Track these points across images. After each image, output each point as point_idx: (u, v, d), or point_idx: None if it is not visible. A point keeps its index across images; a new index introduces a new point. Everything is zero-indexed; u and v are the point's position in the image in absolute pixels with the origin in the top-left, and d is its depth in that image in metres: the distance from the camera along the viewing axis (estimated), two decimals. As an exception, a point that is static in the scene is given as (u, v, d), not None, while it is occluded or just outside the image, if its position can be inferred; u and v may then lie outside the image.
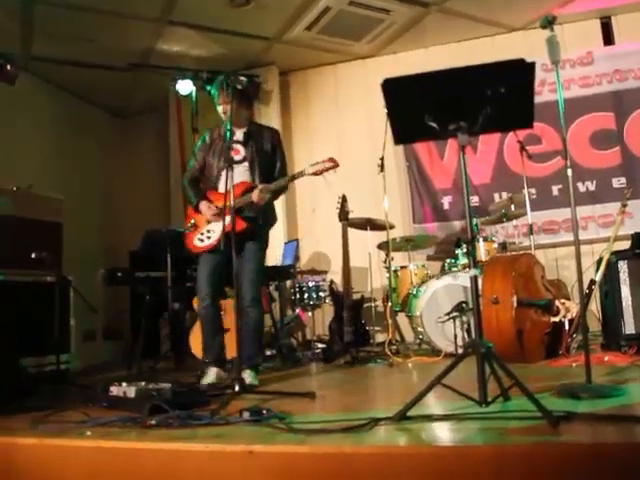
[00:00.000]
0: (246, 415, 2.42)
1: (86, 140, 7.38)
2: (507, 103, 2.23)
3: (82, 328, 5.53)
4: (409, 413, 2.20)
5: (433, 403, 2.56)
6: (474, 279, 2.22)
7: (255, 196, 3.62)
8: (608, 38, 6.42)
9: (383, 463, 1.91)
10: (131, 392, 2.81)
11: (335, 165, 3.63)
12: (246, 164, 3.79)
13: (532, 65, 2.20)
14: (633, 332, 3.94)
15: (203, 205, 3.79)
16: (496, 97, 2.20)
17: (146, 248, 5.32)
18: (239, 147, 3.80)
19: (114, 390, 2.93)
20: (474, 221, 5.18)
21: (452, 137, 2.25)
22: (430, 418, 2.23)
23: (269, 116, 7.00)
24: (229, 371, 3.71)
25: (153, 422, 2.37)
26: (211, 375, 3.65)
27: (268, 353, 5.18)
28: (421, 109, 2.26)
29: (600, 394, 2.47)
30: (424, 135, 2.40)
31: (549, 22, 2.75)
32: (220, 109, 3.77)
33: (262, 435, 2.20)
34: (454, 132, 2.23)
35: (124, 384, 2.91)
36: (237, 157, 3.77)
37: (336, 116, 7.12)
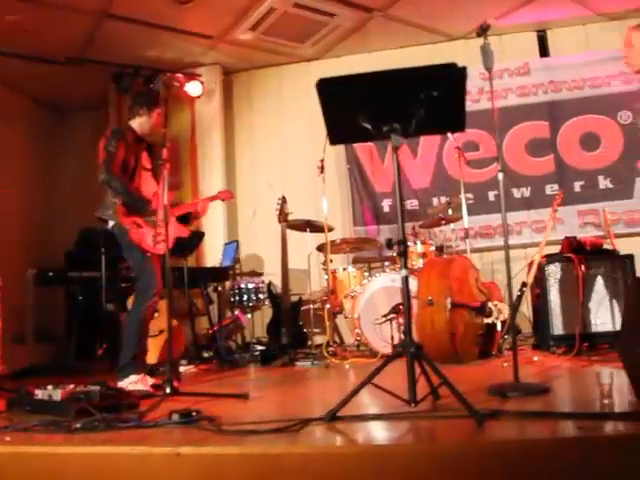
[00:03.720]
0: (175, 417, 2.38)
1: (18, 134, 7.10)
2: (440, 106, 2.27)
3: (11, 330, 5.32)
4: (340, 413, 2.20)
5: (365, 403, 2.58)
6: (405, 279, 2.25)
7: (204, 207, 3.93)
8: (544, 50, 6.64)
9: (312, 463, 1.90)
10: (57, 395, 2.71)
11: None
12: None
13: (463, 69, 2.25)
14: (561, 333, 4.10)
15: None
16: (429, 100, 2.23)
17: (81, 247, 5.18)
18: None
19: (39, 393, 2.82)
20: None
21: (386, 139, 2.27)
22: (360, 418, 2.24)
23: (211, 115, 6.92)
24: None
25: (78, 426, 2.30)
26: (146, 380, 3.53)
27: (205, 355, 5.12)
28: (355, 110, 2.27)
29: (527, 392, 2.55)
30: (359, 136, 2.43)
31: (483, 30, 2.84)
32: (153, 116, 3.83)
33: (191, 437, 2.17)
34: (388, 134, 2.25)
35: (49, 387, 2.80)
36: (148, 165, 3.89)
37: (279, 117, 7.10)
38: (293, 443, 1.99)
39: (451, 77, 2.25)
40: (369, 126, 2.26)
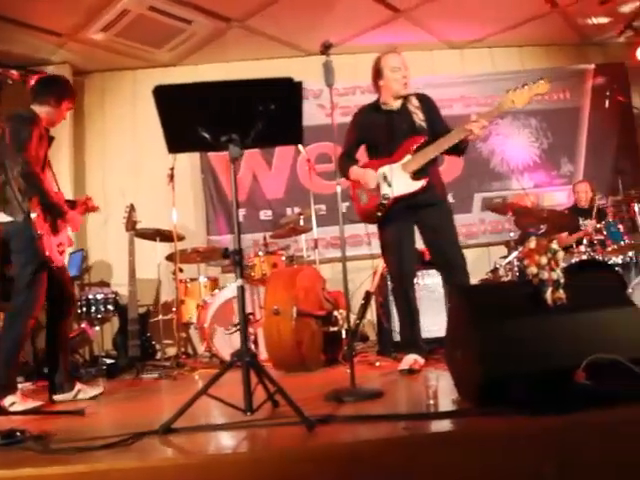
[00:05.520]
0: (-4, 439, 2.21)
1: None
2: (278, 119, 2.33)
3: None
4: (175, 425, 2.17)
5: (202, 414, 2.56)
6: (240, 289, 2.27)
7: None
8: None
9: (142, 477, 1.86)
10: None
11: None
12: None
13: (299, 84, 2.32)
14: (401, 340, 4.31)
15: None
16: (267, 113, 2.28)
17: None
18: None
19: None
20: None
21: (224, 149, 2.29)
22: (195, 429, 2.22)
23: (58, 117, 6.56)
24: None
25: None
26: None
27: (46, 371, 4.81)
28: (194, 119, 2.27)
29: (362, 396, 2.65)
30: (197, 145, 2.42)
31: (326, 48, 2.96)
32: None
33: (12, 458, 2.03)
34: (226, 144, 2.27)
35: None
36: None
37: (133, 123, 6.87)
38: (122, 458, 1.93)
39: (287, 91, 2.32)
40: (207, 136, 2.27)
